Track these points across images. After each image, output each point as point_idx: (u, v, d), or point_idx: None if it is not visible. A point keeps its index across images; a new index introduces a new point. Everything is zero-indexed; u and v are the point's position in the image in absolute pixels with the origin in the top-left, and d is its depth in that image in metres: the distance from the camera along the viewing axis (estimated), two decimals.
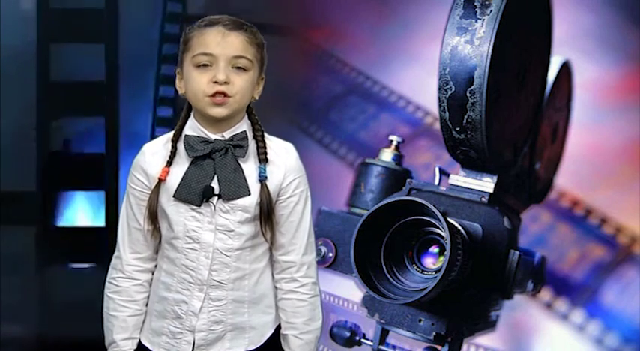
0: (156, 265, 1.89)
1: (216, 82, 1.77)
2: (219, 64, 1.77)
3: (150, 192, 1.83)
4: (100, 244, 4.03)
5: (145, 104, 4.13)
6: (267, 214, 1.81)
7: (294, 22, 3.94)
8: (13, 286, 3.97)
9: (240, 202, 1.80)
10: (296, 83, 3.94)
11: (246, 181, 1.81)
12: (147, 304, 1.89)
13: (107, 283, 1.89)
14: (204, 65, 1.78)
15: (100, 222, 4.16)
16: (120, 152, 4.10)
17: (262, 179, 1.81)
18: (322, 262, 2.30)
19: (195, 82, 1.79)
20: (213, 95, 1.77)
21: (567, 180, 3.05)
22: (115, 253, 1.89)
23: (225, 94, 1.77)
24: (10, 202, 4.03)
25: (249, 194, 1.80)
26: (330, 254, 2.30)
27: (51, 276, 4.12)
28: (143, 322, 1.89)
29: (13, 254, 4.01)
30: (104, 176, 4.11)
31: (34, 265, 4.14)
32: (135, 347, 1.88)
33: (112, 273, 1.89)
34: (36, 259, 4.15)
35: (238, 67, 1.79)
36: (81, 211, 4.22)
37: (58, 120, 4.17)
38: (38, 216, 4.16)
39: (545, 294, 3.17)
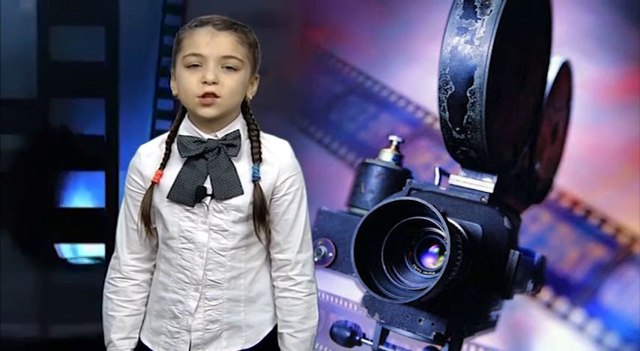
0: (155, 266, 1.89)
1: (205, 82, 1.77)
2: (209, 64, 1.78)
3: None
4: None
5: (144, 96, 4.13)
6: (260, 214, 1.81)
7: (294, 22, 3.94)
8: (13, 286, 3.97)
9: (234, 201, 1.81)
10: (296, 83, 3.94)
11: (239, 180, 1.81)
12: (146, 305, 1.90)
13: (106, 284, 1.90)
14: (195, 65, 1.79)
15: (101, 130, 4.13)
16: (119, 139, 4.08)
17: (256, 179, 1.81)
18: (322, 262, 2.30)
19: (186, 83, 1.79)
20: (203, 96, 1.78)
21: (567, 180, 3.05)
22: (114, 254, 1.90)
23: (214, 95, 1.78)
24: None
25: (242, 193, 1.81)
26: (330, 254, 2.30)
27: (51, 274, 4.11)
28: (143, 321, 1.90)
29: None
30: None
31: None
32: (133, 347, 1.89)
33: (110, 273, 1.90)
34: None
35: (228, 67, 1.79)
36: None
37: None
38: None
39: (545, 294, 3.17)
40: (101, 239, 4.03)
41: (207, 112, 1.79)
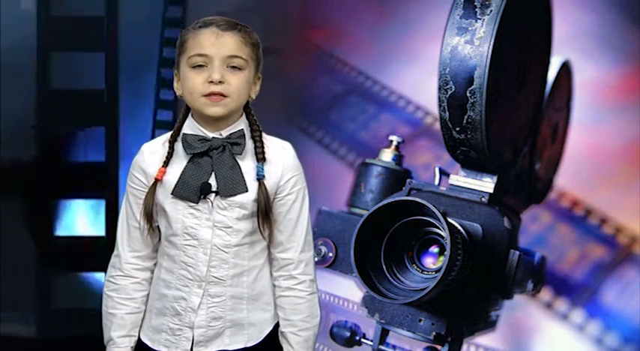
0: (155, 264, 1.90)
1: (211, 82, 1.78)
2: (214, 64, 1.79)
3: None
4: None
5: (145, 108, 4.14)
6: (264, 212, 1.82)
7: (294, 22, 3.95)
8: (13, 286, 3.97)
9: (238, 198, 1.81)
10: (296, 83, 3.94)
11: (243, 177, 1.82)
12: (146, 303, 1.90)
13: (106, 282, 1.90)
14: (200, 66, 1.80)
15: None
16: (119, 160, 4.08)
17: (260, 178, 1.82)
18: (322, 262, 2.30)
19: (191, 83, 1.80)
20: (209, 95, 1.78)
21: (567, 180, 3.05)
22: (114, 252, 1.91)
23: (221, 95, 1.79)
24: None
25: (247, 190, 1.82)
26: (330, 254, 2.30)
27: (52, 274, 4.11)
28: (143, 320, 1.90)
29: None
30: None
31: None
32: (133, 345, 1.90)
33: (110, 271, 1.90)
34: None
35: (233, 67, 1.80)
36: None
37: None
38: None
39: (545, 294, 3.17)
40: (102, 195, 4.02)
41: (215, 110, 1.80)
